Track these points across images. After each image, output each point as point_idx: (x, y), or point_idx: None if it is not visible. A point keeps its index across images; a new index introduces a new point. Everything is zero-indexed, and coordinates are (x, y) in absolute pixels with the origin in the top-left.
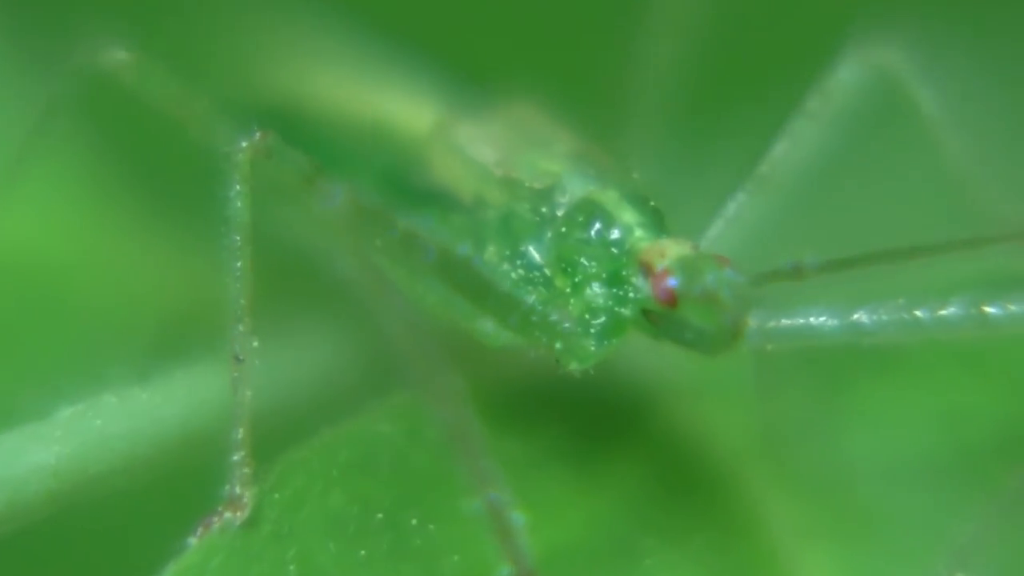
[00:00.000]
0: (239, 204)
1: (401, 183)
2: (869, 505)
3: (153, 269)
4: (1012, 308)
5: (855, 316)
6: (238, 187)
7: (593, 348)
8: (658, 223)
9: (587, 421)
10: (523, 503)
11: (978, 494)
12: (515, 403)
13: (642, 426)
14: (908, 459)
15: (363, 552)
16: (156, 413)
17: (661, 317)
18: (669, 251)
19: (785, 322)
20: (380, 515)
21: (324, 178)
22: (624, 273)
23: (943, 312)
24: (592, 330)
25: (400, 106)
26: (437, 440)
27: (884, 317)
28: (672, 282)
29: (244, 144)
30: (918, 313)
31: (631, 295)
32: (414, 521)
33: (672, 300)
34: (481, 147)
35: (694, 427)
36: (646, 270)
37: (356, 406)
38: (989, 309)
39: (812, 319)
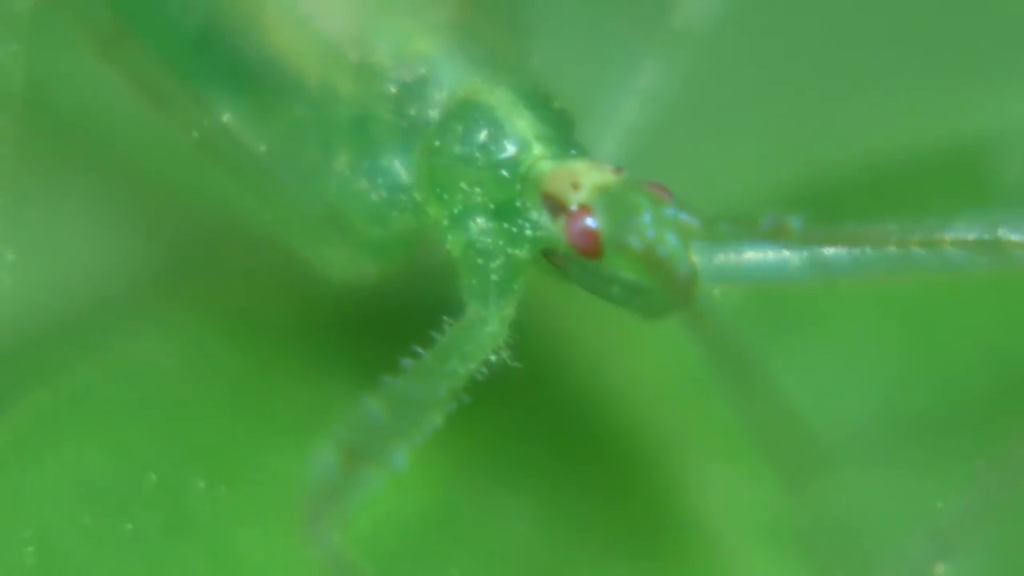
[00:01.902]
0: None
1: (221, 54)
2: None
3: None
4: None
5: (827, 251)
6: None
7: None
8: (565, 135)
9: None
10: None
11: (925, 474)
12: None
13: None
14: (846, 434)
15: (129, 526)
16: None
17: (572, 263)
18: (585, 178)
19: (737, 257)
20: (154, 476)
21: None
22: (519, 204)
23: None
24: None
25: None
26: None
27: (864, 252)
28: (593, 223)
29: None
30: (914, 247)
31: (528, 232)
32: (200, 484)
33: (595, 249)
34: (331, 11)
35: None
36: (554, 204)
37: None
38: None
39: (771, 254)
